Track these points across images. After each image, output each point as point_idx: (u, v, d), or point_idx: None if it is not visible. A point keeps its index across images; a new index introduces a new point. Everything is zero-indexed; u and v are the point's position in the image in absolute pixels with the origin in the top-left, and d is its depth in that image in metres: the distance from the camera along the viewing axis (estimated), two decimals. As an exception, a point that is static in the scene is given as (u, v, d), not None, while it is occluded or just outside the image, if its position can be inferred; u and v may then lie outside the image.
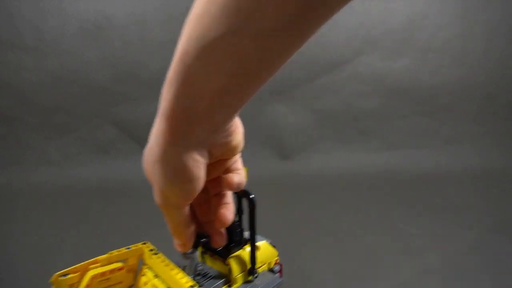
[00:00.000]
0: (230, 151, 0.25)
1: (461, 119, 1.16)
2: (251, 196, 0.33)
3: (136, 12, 1.05)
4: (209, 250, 0.37)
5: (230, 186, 0.27)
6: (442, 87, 1.15)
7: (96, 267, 0.34)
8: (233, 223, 0.32)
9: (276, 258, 0.40)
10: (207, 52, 0.18)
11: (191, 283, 0.29)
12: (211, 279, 0.36)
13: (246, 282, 0.36)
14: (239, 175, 0.28)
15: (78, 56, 1.03)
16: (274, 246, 0.40)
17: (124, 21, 1.04)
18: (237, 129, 0.25)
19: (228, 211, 0.28)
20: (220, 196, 0.28)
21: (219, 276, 0.36)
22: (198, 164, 0.23)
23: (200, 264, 0.35)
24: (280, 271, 0.39)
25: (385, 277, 0.50)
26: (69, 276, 0.32)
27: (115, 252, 0.35)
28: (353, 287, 0.48)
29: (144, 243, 0.36)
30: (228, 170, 0.28)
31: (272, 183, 0.96)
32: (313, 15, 0.16)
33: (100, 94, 1.06)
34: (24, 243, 0.62)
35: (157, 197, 0.24)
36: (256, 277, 0.36)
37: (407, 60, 1.13)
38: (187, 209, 0.26)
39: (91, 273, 0.33)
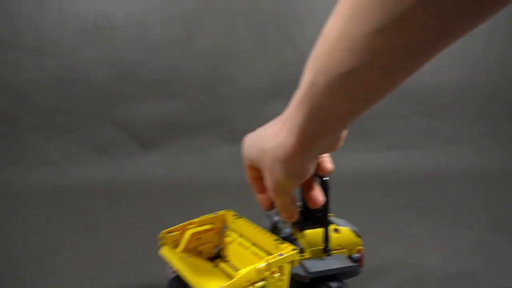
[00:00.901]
0: (334, 149, 0.29)
1: (461, 119, 1.16)
2: (325, 179, 0.37)
3: (136, 12, 1.05)
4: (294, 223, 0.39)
5: (324, 171, 0.33)
6: (442, 87, 1.15)
7: (193, 228, 0.40)
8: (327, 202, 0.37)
9: (359, 247, 0.41)
10: (334, 85, 0.20)
11: (275, 237, 0.34)
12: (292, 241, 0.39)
13: (318, 257, 0.38)
14: (331, 162, 0.33)
15: (78, 56, 1.03)
16: (358, 235, 0.41)
17: (124, 21, 1.04)
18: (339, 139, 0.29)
19: (318, 193, 0.33)
20: (309, 180, 0.34)
21: (295, 245, 0.37)
22: (314, 166, 0.28)
23: (280, 227, 0.40)
24: (359, 260, 0.40)
25: (385, 277, 0.50)
26: (173, 233, 0.40)
27: (204, 217, 0.41)
28: (353, 286, 0.48)
29: (228, 211, 0.42)
30: (320, 158, 0.33)
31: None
32: (426, 58, 0.18)
33: (100, 94, 1.06)
34: (24, 243, 0.62)
35: (270, 186, 0.29)
36: (328, 255, 0.38)
37: (407, 60, 1.13)
38: (293, 193, 0.31)
39: (189, 232, 0.39)
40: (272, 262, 0.31)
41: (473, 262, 0.53)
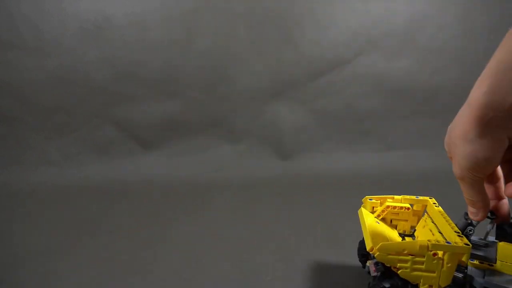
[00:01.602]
0: None
1: (461, 119, 1.16)
2: None
3: (136, 12, 1.05)
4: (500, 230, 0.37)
5: None
6: (443, 87, 1.15)
7: (392, 201, 0.46)
8: None
9: None
10: None
11: (459, 233, 0.36)
12: (479, 247, 0.38)
13: (507, 274, 0.35)
14: None
15: (78, 56, 1.03)
16: None
17: (124, 21, 1.04)
18: None
19: (505, 204, 0.31)
20: (497, 183, 0.32)
21: (489, 253, 0.37)
22: (494, 147, 0.26)
23: (471, 229, 0.38)
24: None
25: (385, 277, 0.50)
26: (373, 200, 0.47)
27: (407, 196, 0.46)
28: (352, 286, 0.48)
29: (431, 198, 0.46)
30: None
31: (272, 183, 0.96)
32: None
33: (100, 94, 1.06)
34: (24, 243, 0.62)
35: (454, 169, 0.29)
36: None
37: (408, 60, 1.13)
38: (479, 183, 0.29)
39: (386, 203, 0.46)
40: (435, 244, 0.34)
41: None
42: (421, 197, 0.47)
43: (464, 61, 1.14)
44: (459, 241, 0.35)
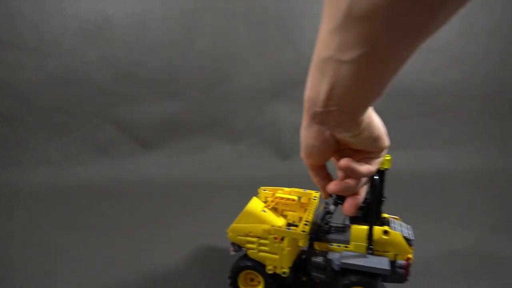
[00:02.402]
0: (359, 144, 0.29)
1: (462, 119, 1.16)
2: (374, 178, 0.37)
3: (136, 12, 1.05)
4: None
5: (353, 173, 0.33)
6: (443, 87, 1.15)
7: (281, 193, 0.49)
8: (368, 202, 0.39)
9: (408, 255, 0.40)
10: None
11: (308, 222, 0.40)
12: (336, 232, 0.43)
13: (359, 253, 0.40)
14: (366, 165, 0.31)
15: (78, 56, 1.03)
16: (409, 244, 0.40)
17: (124, 21, 1.04)
18: (366, 131, 0.28)
19: (329, 186, 0.34)
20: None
21: (345, 236, 0.42)
22: (317, 137, 0.28)
23: (329, 217, 0.43)
24: (405, 268, 0.39)
25: (385, 277, 0.50)
26: (267, 191, 0.50)
27: (295, 189, 0.49)
28: (353, 287, 0.48)
29: (317, 192, 0.48)
30: (365, 160, 0.31)
31: (272, 183, 0.96)
32: None
33: (100, 94, 1.06)
34: (24, 243, 0.62)
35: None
36: (370, 253, 0.39)
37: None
38: (314, 168, 0.32)
39: (277, 194, 0.49)
40: (275, 229, 0.40)
41: (473, 262, 0.53)
42: (308, 191, 0.49)
43: (464, 61, 1.14)
44: (301, 228, 0.39)
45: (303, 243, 0.39)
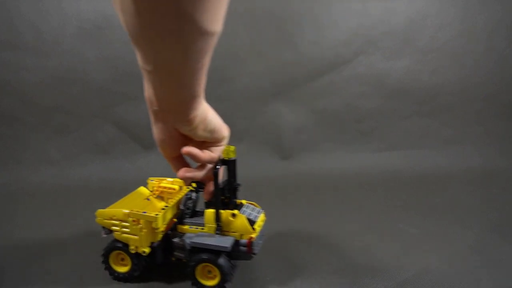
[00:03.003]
0: (199, 136, 0.35)
1: (462, 119, 1.16)
2: (216, 167, 0.42)
3: (136, 12, 1.05)
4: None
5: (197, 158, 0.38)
6: (443, 87, 1.15)
7: (166, 182, 0.55)
8: (219, 188, 0.44)
9: (251, 236, 0.45)
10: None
11: (165, 207, 0.46)
12: (195, 216, 0.50)
13: (209, 234, 0.46)
14: (208, 152, 0.39)
15: (78, 56, 1.03)
16: (252, 225, 0.46)
17: (124, 21, 1.04)
18: (201, 125, 0.33)
19: (180, 172, 0.39)
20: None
21: (201, 221, 0.47)
22: (163, 133, 0.33)
23: (191, 202, 0.50)
24: (247, 246, 0.45)
25: (385, 277, 0.50)
26: (154, 181, 0.56)
27: (178, 179, 0.49)
28: (353, 286, 0.48)
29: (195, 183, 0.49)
30: (208, 149, 0.39)
31: (272, 183, 0.96)
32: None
33: (100, 94, 1.06)
34: (24, 243, 0.62)
35: None
36: (218, 234, 0.45)
37: (407, 60, 1.13)
38: (171, 160, 0.38)
39: (162, 183, 0.55)
40: (132, 212, 0.45)
41: (473, 262, 0.53)
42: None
43: (464, 61, 1.14)
44: (156, 212, 0.44)
45: (156, 225, 0.44)
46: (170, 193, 0.54)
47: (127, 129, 1.09)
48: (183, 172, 0.38)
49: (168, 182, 0.55)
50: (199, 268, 0.45)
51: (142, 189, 0.56)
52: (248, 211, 0.48)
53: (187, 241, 0.46)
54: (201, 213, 0.49)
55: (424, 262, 0.54)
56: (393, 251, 0.57)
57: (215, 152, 0.39)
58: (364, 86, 1.14)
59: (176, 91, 0.27)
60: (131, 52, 1.07)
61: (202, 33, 0.21)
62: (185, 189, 0.53)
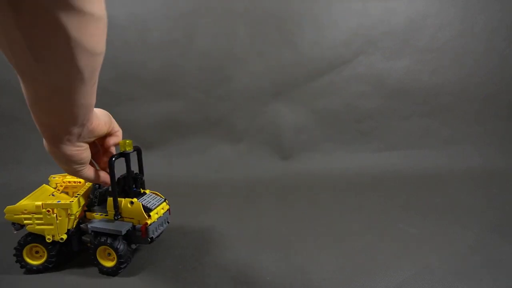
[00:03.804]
0: (99, 135, 0.40)
1: (462, 119, 1.16)
2: (112, 159, 0.47)
3: (136, 12, 1.05)
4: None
5: (107, 144, 0.45)
6: (443, 87, 1.15)
7: (68, 177, 0.59)
8: (115, 178, 0.48)
9: (146, 222, 0.50)
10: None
11: (77, 197, 0.50)
12: (100, 204, 0.54)
13: (109, 220, 0.50)
14: (116, 137, 0.45)
15: (78, 56, 1.03)
16: (148, 214, 0.50)
17: (124, 21, 1.04)
18: (96, 125, 0.38)
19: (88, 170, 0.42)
20: (108, 153, 0.47)
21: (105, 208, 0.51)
22: (78, 150, 0.37)
23: (96, 191, 0.54)
24: (141, 230, 0.49)
25: (385, 277, 0.50)
26: (56, 178, 0.59)
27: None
28: (352, 286, 0.48)
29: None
30: (110, 135, 0.45)
31: (272, 183, 0.96)
32: None
33: (100, 94, 1.06)
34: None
35: (60, 166, 0.39)
36: (116, 219, 0.50)
37: (407, 60, 1.13)
38: (84, 166, 0.40)
39: (66, 178, 0.59)
40: (46, 203, 0.48)
41: (473, 262, 0.53)
42: None
43: (464, 61, 1.14)
44: (67, 200, 0.48)
45: (71, 211, 0.47)
46: (75, 186, 0.58)
47: (127, 129, 1.09)
48: (105, 176, 0.46)
49: (72, 177, 0.57)
50: (99, 250, 0.50)
51: (44, 186, 0.57)
52: (148, 199, 0.52)
53: (89, 226, 0.50)
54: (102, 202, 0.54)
55: (424, 262, 0.54)
56: (393, 251, 0.57)
57: (112, 140, 0.44)
58: (364, 86, 1.14)
59: (75, 110, 0.30)
60: (131, 52, 1.07)
61: (93, 54, 0.25)
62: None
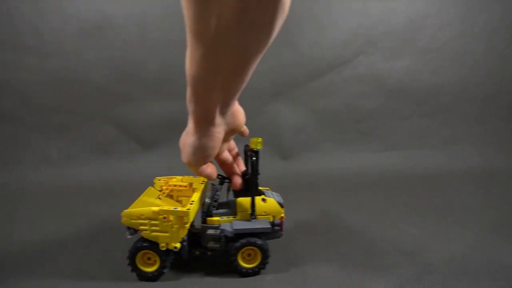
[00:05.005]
0: (237, 128, 0.41)
1: (462, 119, 1.16)
2: (252, 158, 0.48)
3: (136, 12, 1.05)
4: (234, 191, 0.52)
5: (245, 133, 0.47)
6: (443, 87, 1.15)
7: (175, 180, 0.57)
8: (247, 177, 0.50)
9: (281, 215, 0.50)
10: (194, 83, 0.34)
11: (193, 202, 0.47)
12: (223, 207, 0.53)
13: (245, 219, 0.50)
14: (246, 129, 0.47)
15: (78, 56, 1.03)
16: (281, 206, 0.50)
17: (124, 21, 1.04)
18: (237, 115, 0.40)
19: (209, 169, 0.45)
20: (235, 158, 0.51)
21: (231, 209, 0.51)
22: (219, 133, 0.38)
23: (218, 194, 0.52)
24: (280, 225, 0.50)
25: (385, 277, 0.50)
26: (161, 180, 0.57)
27: (186, 177, 0.57)
28: (352, 286, 0.48)
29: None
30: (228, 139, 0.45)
31: (272, 183, 0.96)
32: None
33: (100, 94, 1.06)
34: (23, 243, 0.62)
35: (185, 160, 0.42)
36: (254, 218, 0.49)
37: (408, 60, 1.13)
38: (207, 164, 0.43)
39: (171, 182, 0.57)
40: (163, 210, 0.45)
41: (473, 262, 0.53)
42: (197, 177, 0.56)
43: (464, 61, 1.14)
44: (187, 207, 0.45)
45: (187, 219, 0.45)
46: (180, 190, 0.56)
47: (127, 129, 1.09)
48: (213, 169, 0.45)
49: (177, 180, 0.56)
50: (240, 253, 0.49)
51: (151, 189, 0.56)
52: (271, 195, 0.52)
53: (228, 229, 0.48)
54: (225, 204, 0.53)
55: (423, 261, 0.54)
56: (393, 251, 0.57)
57: (246, 130, 0.45)
58: (364, 86, 1.14)
59: (241, 85, 0.31)
60: (131, 52, 1.07)
61: (282, 15, 0.23)
62: (197, 185, 0.54)
